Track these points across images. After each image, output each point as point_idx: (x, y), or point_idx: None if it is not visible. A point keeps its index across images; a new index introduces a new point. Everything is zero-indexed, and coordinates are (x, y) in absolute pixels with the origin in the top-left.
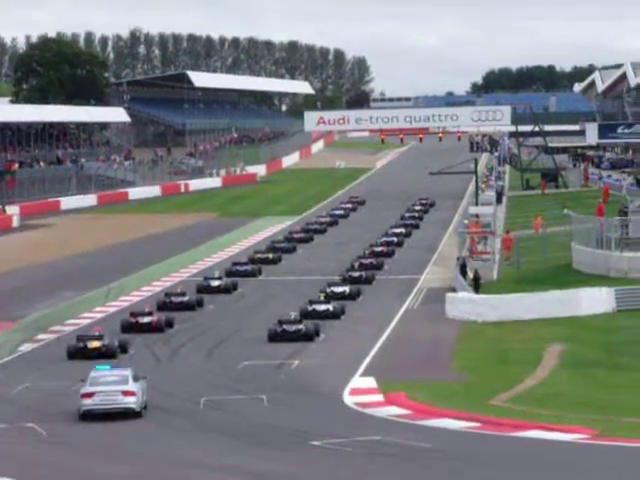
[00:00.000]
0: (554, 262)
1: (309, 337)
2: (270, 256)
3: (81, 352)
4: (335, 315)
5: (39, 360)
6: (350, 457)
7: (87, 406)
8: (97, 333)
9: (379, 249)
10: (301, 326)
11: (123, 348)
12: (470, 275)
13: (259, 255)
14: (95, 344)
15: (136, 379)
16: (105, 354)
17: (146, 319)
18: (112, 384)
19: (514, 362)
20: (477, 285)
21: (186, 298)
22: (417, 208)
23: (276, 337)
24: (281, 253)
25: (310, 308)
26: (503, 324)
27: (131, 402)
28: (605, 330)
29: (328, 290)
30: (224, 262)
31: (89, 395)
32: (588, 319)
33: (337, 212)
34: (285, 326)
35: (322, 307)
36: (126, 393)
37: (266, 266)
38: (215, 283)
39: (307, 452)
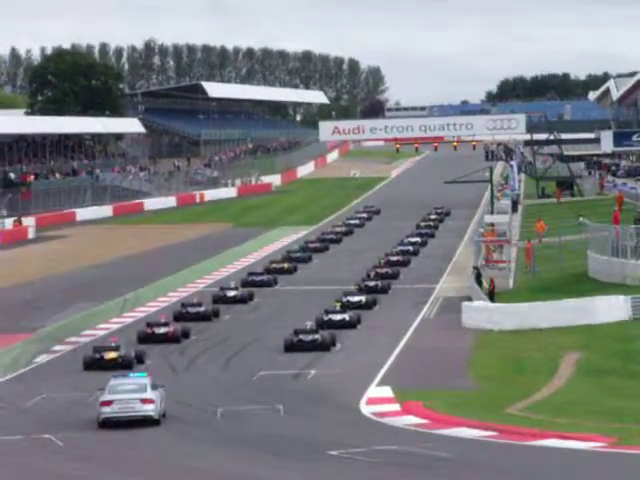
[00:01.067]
0: (570, 270)
1: (325, 347)
2: (286, 266)
3: (97, 363)
4: (351, 325)
5: (55, 371)
6: (368, 467)
7: (106, 414)
8: (113, 344)
9: (395, 258)
10: (317, 336)
11: (139, 359)
12: (485, 285)
13: (275, 265)
14: (111, 355)
15: (154, 387)
16: (121, 365)
17: (162, 329)
18: (131, 392)
19: (530, 371)
20: (492, 294)
21: (202, 308)
22: (432, 217)
23: (292, 347)
24: (297, 263)
25: (326, 318)
26: (519, 333)
27: (150, 410)
28: (621, 338)
29: (344, 299)
30: (240, 272)
31: (108, 403)
32: (604, 327)
33: (353, 221)
34: (301, 336)
35: (338, 317)
36: (144, 401)
37: (282, 276)
38: (231, 293)
39: (325, 462)
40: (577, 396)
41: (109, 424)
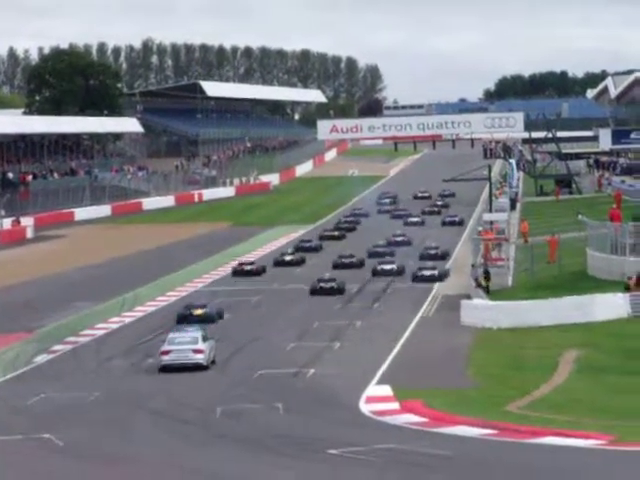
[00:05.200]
0: (569, 268)
1: (341, 291)
2: (336, 234)
3: (187, 318)
4: (399, 273)
5: (55, 371)
6: (368, 465)
7: (165, 362)
8: (201, 303)
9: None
10: (334, 283)
11: (220, 315)
12: (481, 280)
13: (327, 233)
14: (199, 312)
15: (205, 339)
16: (206, 320)
17: (249, 267)
18: (185, 344)
19: (530, 368)
20: (487, 279)
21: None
22: (439, 203)
23: (316, 292)
24: (345, 232)
25: (379, 267)
26: (518, 330)
27: (200, 358)
28: (621, 336)
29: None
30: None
31: (166, 352)
32: (603, 325)
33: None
34: (322, 283)
35: (388, 267)
36: (196, 351)
37: (332, 242)
38: (288, 258)
39: (325, 461)
40: (576, 394)
41: (168, 369)
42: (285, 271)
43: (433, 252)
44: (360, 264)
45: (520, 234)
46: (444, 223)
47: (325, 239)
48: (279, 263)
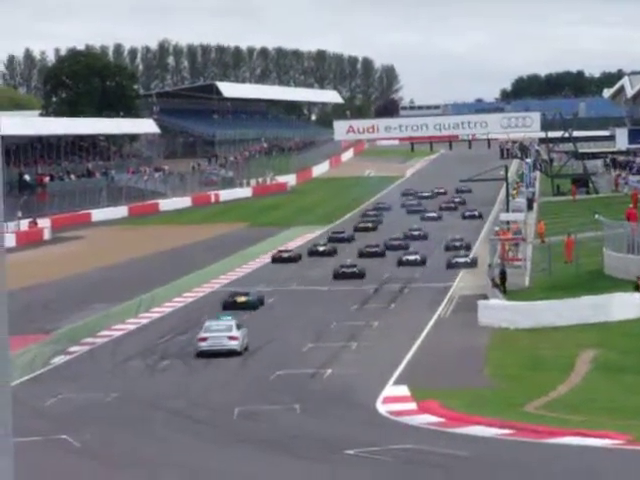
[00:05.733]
0: (585, 268)
1: (361, 276)
2: (370, 225)
3: (232, 305)
4: (423, 262)
5: (72, 372)
6: (385, 466)
7: (202, 347)
8: (245, 290)
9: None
10: (355, 269)
11: (261, 302)
12: (497, 280)
13: (362, 225)
14: (242, 299)
15: (239, 327)
16: (248, 306)
17: (321, 248)
18: (221, 331)
19: (547, 368)
20: (503, 279)
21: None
22: (456, 200)
23: (338, 276)
24: (377, 224)
25: (404, 258)
26: (535, 331)
27: (234, 345)
28: (638, 335)
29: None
30: (257, 271)
31: (204, 339)
32: (620, 324)
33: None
34: (344, 269)
35: (412, 257)
36: (231, 338)
37: (364, 233)
38: (321, 248)
39: (342, 461)
40: (593, 394)
41: (204, 355)
42: (319, 261)
43: (458, 244)
44: (382, 253)
45: (537, 234)
46: (464, 217)
47: (359, 230)
48: (313, 253)
